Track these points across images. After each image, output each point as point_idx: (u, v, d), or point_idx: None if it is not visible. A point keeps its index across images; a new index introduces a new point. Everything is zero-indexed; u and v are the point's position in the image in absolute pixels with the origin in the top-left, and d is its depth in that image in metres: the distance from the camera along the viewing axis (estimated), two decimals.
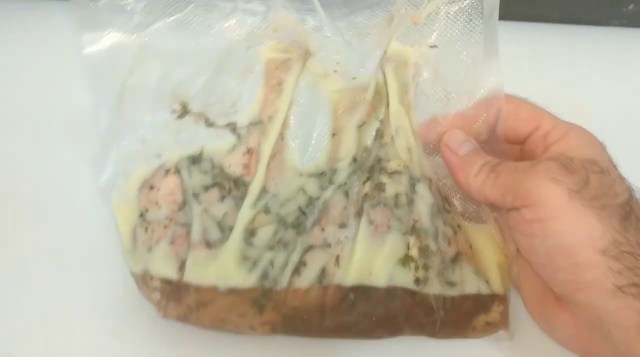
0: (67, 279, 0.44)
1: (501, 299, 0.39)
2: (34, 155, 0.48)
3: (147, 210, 0.41)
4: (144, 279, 0.41)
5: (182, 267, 0.40)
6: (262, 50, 0.39)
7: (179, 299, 0.40)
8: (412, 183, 0.39)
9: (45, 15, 0.54)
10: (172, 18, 0.37)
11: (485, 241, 0.39)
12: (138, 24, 0.37)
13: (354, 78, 0.40)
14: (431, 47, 0.39)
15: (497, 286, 0.39)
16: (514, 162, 0.35)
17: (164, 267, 0.40)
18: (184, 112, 0.40)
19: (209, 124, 0.40)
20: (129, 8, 0.36)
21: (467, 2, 0.37)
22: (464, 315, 0.39)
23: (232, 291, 0.39)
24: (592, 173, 0.31)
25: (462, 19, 0.38)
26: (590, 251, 0.30)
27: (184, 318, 0.40)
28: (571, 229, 0.31)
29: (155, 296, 0.41)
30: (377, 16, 0.40)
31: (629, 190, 0.32)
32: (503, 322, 0.39)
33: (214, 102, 0.40)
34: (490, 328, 0.39)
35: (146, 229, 0.41)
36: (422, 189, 0.39)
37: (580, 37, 0.58)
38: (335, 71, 0.40)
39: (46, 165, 0.47)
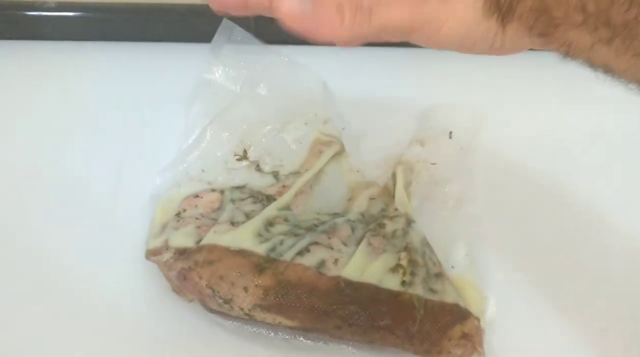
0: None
1: (477, 318, 0.42)
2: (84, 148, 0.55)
3: (184, 210, 0.49)
4: (158, 250, 0.46)
5: (199, 242, 0.46)
6: (313, 131, 0.54)
7: (188, 257, 0.44)
8: (408, 222, 0.48)
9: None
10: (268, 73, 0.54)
11: (465, 285, 0.45)
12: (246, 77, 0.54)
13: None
14: (432, 164, 0.54)
15: (474, 311, 0.43)
16: None
17: (183, 239, 0.46)
18: (243, 157, 0.53)
19: (258, 169, 0.52)
20: (241, 63, 0.54)
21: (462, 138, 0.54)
22: (441, 320, 0.42)
23: (241, 253, 0.44)
24: None
25: (456, 146, 0.54)
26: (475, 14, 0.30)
27: (185, 272, 0.43)
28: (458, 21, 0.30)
29: (164, 256, 0.45)
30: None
31: None
32: (478, 339, 0.41)
33: (267, 153, 0.53)
34: (465, 342, 0.41)
35: (178, 221, 0.48)
36: (416, 227, 0.47)
37: None
38: (358, 171, 0.54)
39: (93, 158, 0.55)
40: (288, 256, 0.44)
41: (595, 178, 0.54)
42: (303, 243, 0.45)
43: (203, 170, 0.52)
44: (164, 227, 0.48)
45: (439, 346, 0.41)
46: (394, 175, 0.53)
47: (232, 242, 0.44)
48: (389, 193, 0.53)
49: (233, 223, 0.46)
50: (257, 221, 0.46)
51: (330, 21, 0.30)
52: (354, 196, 0.51)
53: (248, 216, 0.47)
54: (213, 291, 0.43)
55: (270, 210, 0.47)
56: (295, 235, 0.46)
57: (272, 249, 0.44)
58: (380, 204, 0.51)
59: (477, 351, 0.41)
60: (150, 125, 0.56)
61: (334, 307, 0.42)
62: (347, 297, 0.42)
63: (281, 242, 0.45)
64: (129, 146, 0.54)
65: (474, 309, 0.43)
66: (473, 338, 0.41)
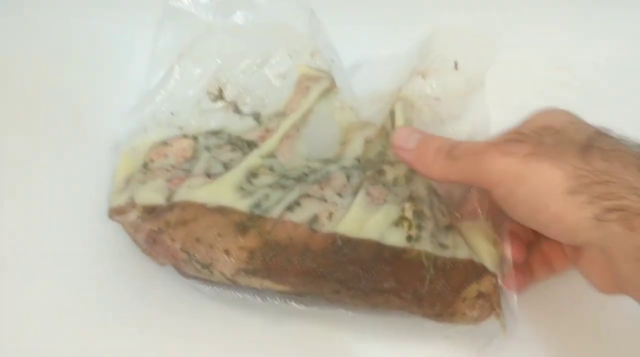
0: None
1: (494, 275, 0.37)
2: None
3: (152, 160, 0.42)
4: (123, 209, 0.39)
5: (170, 197, 0.39)
6: (298, 65, 0.47)
7: (156, 216, 0.38)
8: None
9: None
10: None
11: (476, 235, 0.39)
12: (219, 3, 0.46)
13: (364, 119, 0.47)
14: (436, 99, 0.47)
15: (490, 266, 0.37)
16: (468, 142, 0.36)
17: (152, 195, 0.40)
18: (218, 97, 0.46)
19: (236, 110, 0.45)
20: None
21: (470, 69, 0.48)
22: (454, 279, 0.36)
23: (220, 210, 0.37)
24: (546, 136, 0.33)
25: (462, 78, 0.47)
26: (557, 199, 0.31)
27: (155, 235, 0.37)
28: (534, 189, 0.31)
29: (130, 216, 0.39)
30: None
31: (593, 132, 0.33)
32: (495, 300, 0.36)
33: (247, 91, 0.46)
34: (481, 303, 0.36)
35: (145, 173, 0.41)
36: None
37: None
38: (351, 109, 0.48)
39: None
40: (275, 212, 0.38)
41: (616, 113, 0.48)
42: (292, 196, 0.39)
43: (172, 113, 0.45)
44: (128, 180, 0.41)
45: (452, 308, 0.36)
46: (392, 114, 0.46)
47: (209, 198, 0.38)
48: (387, 134, 0.46)
49: (209, 175, 0.40)
50: (237, 172, 0.40)
51: (425, 161, 0.36)
52: (347, 139, 0.45)
53: (227, 166, 0.41)
54: (189, 254, 0.37)
55: (253, 158, 0.41)
56: (283, 187, 0.39)
57: (257, 205, 0.38)
58: (378, 147, 0.45)
59: (495, 312, 0.36)
60: (109, 63, 0.48)
61: (331, 269, 0.36)
62: (344, 257, 0.36)
63: (267, 197, 0.38)
64: (85, 88, 0.47)
65: (488, 263, 0.38)
66: (490, 297, 0.36)
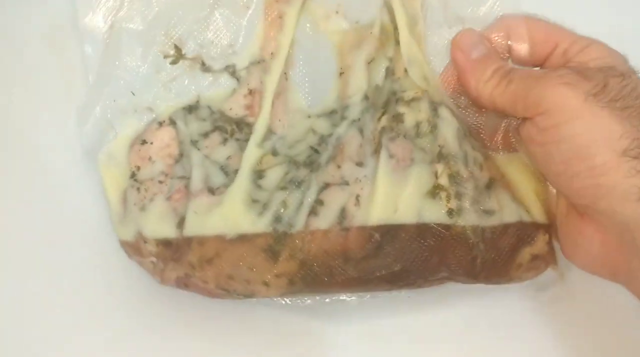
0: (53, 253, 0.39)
1: (546, 228, 0.35)
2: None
3: (138, 168, 0.36)
4: (136, 245, 0.36)
5: (181, 223, 0.35)
6: None
7: (178, 259, 0.35)
8: (434, 107, 0.35)
9: None
10: None
11: (518, 170, 0.36)
12: None
13: (356, 22, 0.38)
14: None
15: (539, 215, 0.35)
16: (528, 68, 0.33)
17: (160, 226, 0.35)
18: (178, 56, 0.37)
19: (205, 68, 0.37)
20: None
21: None
22: (506, 248, 0.34)
23: (241, 239, 0.34)
24: (611, 77, 0.29)
25: None
26: (609, 152, 0.28)
27: (185, 280, 0.35)
28: (587, 131, 0.28)
29: (150, 260, 0.35)
30: None
31: None
32: (550, 255, 0.35)
33: (209, 41, 0.37)
34: (537, 264, 0.35)
35: (138, 189, 0.36)
36: (445, 113, 0.35)
37: None
38: (337, 12, 0.38)
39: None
40: (299, 223, 0.34)
41: None
42: (311, 195, 0.34)
43: (134, 93, 0.37)
44: (123, 200, 0.36)
45: (508, 276, 0.35)
46: (389, 9, 0.38)
47: (224, 226, 0.34)
48: (387, 36, 0.38)
49: (212, 190, 0.35)
50: (242, 182, 0.34)
51: (480, 75, 0.33)
52: (345, 66, 0.38)
53: (226, 171, 0.35)
54: (227, 291, 0.35)
55: (251, 152, 0.35)
56: (297, 184, 0.35)
57: (277, 220, 0.34)
58: (383, 62, 0.38)
59: (552, 266, 0.35)
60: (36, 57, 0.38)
61: (376, 272, 0.34)
62: (387, 256, 0.34)
63: (284, 205, 0.34)
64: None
65: (538, 213, 0.35)
66: (545, 257, 0.34)
